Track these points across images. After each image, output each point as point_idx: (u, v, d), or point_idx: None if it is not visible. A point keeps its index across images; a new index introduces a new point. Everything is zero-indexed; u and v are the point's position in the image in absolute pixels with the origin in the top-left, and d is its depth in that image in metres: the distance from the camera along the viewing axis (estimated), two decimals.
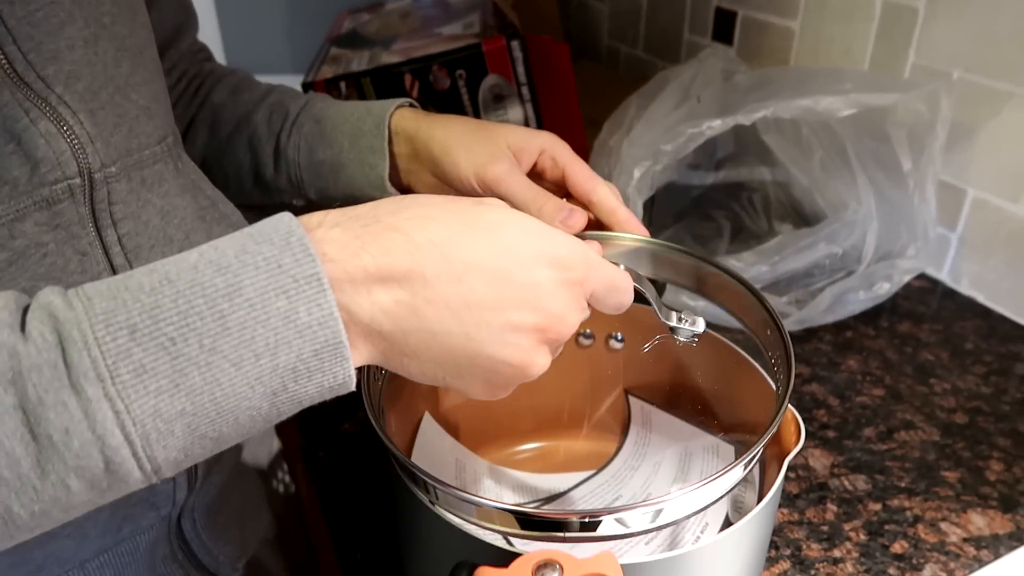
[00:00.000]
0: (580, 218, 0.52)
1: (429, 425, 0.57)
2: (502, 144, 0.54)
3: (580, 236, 0.54)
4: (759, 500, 0.53)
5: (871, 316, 0.79)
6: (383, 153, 0.58)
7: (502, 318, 0.34)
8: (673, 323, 0.47)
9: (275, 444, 0.67)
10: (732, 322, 0.52)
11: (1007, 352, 0.74)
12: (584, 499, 0.60)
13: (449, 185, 0.56)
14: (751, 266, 0.76)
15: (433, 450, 0.57)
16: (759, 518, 0.42)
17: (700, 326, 0.46)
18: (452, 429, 0.59)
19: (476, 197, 0.38)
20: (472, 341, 0.34)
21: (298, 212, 0.33)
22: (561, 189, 0.55)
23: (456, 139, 0.55)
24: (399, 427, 0.54)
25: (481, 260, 0.34)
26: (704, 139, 0.68)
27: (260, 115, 0.63)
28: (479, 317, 0.34)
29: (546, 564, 0.35)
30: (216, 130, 0.64)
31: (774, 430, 0.41)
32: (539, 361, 0.37)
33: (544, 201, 0.53)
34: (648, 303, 0.46)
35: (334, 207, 0.35)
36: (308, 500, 0.73)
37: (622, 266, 0.42)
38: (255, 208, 0.76)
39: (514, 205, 0.55)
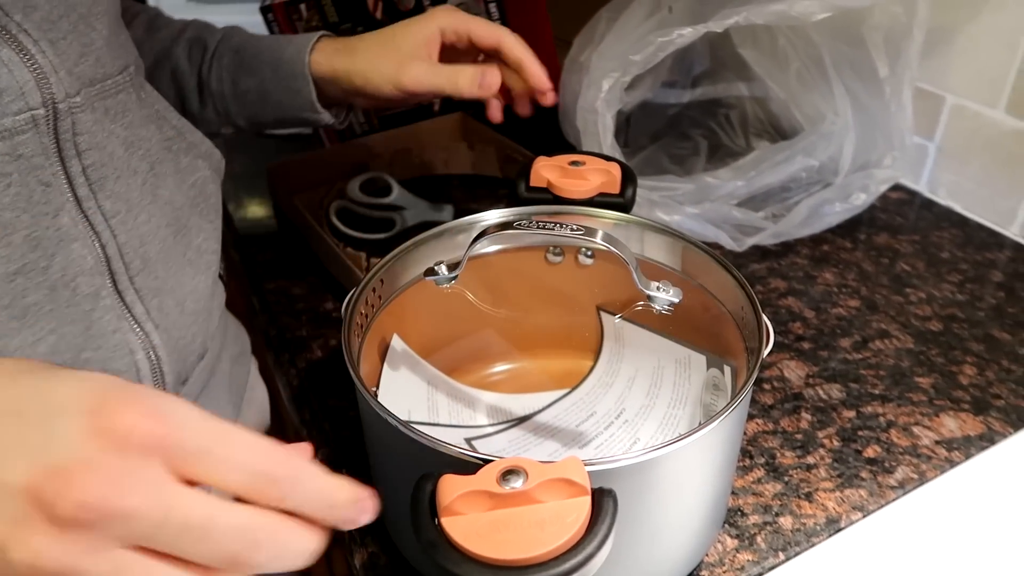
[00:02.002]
0: (494, 75, 0.57)
1: (399, 347, 0.56)
2: (405, 49, 0.58)
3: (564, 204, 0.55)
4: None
5: (848, 229, 0.78)
6: (306, 79, 0.60)
7: None
8: (651, 292, 0.47)
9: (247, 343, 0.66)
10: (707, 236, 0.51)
11: (983, 260, 0.74)
12: (557, 418, 0.60)
13: (380, 101, 0.61)
14: (727, 182, 0.74)
15: (403, 373, 0.56)
16: (728, 422, 0.41)
17: (677, 295, 0.47)
18: (423, 351, 0.58)
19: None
20: None
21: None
22: (476, 51, 0.60)
23: (367, 64, 0.58)
24: (368, 348, 0.53)
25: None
26: (675, 48, 0.66)
27: (179, 49, 0.63)
28: None
29: (511, 471, 0.34)
30: None
31: (746, 395, 0.40)
32: (25, 544, 0.25)
33: (457, 75, 0.57)
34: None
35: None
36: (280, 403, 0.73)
37: (599, 237, 0.42)
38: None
39: (438, 94, 0.60)
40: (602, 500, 0.33)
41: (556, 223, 0.45)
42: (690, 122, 0.92)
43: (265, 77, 0.61)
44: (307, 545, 0.28)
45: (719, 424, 0.40)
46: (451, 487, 0.33)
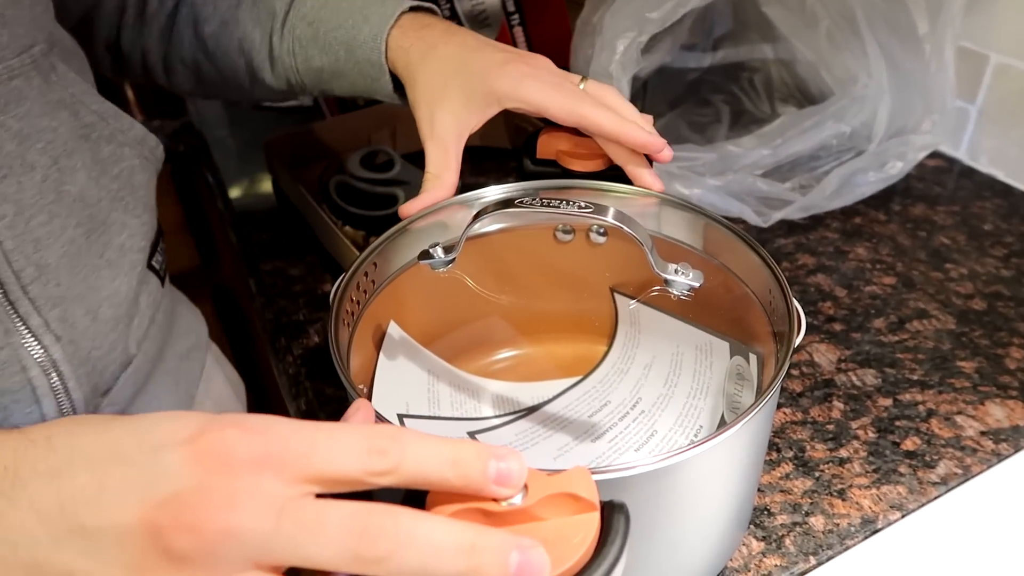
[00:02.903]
0: (411, 206, 0.51)
1: (396, 334, 0.52)
2: (477, 103, 0.52)
3: (575, 177, 0.49)
4: (756, 398, 0.48)
5: (882, 200, 0.73)
6: (381, 68, 0.54)
7: (97, 517, 0.25)
8: (669, 275, 0.42)
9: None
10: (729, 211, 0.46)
11: None
12: (568, 408, 0.56)
13: None
14: (751, 151, 0.69)
15: (401, 362, 0.52)
16: (758, 418, 0.37)
17: (697, 279, 0.42)
18: (422, 338, 0.54)
19: None
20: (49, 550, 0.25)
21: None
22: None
23: (415, 97, 0.53)
24: (361, 337, 0.49)
25: (91, 445, 0.26)
26: (694, 5, 0.60)
27: (244, 13, 0.58)
28: (72, 520, 0.25)
29: None
30: (199, 29, 0.59)
31: (774, 391, 0.36)
32: None
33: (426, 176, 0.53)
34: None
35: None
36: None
37: (610, 215, 0.37)
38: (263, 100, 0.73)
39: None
40: (612, 517, 0.29)
41: (562, 199, 0.40)
42: (711, 87, 0.86)
43: (339, 57, 0.55)
44: (422, 531, 0.25)
45: (748, 422, 0.35)
46: (441, 506, 0.29)
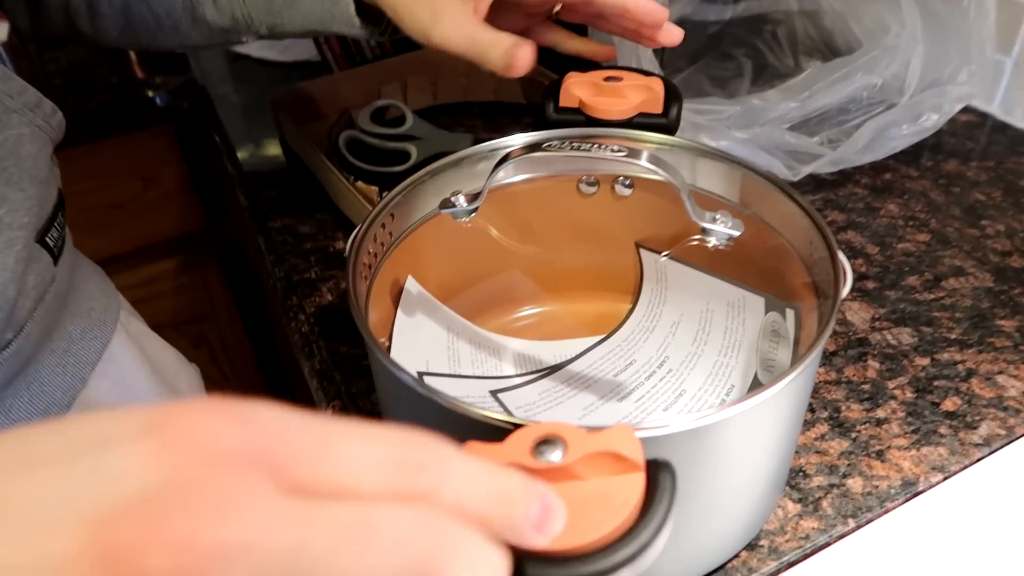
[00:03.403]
0: (526, 55, 0.46)
1: (414, 289, 0.50)
2: None
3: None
4: (794, 356, 0.46)
5: (912, 155, 0.70)
6: None
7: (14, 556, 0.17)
8: (707, 224, 0.40)
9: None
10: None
11: None
12: (592, 367, 0.54)
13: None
14: (778, 104, 0.66)
15: (419, 319, 0.50)
16: (803, 375, 0.35)
17: (737, 228, 0.40)
18: (441, 294, 0.52)
19: None
20: None
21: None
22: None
23: (401, 3, 0.48)
24: (378, 293, 0.47)
25: (30, 452, 0.18)
26: None
27: None
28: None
29: (547, 440, 0.28)
30: None
31: (821, 344, 0.33)
32: None
33: (489, 48, 0.46)
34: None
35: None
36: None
37: (645, 159, 0.35)
38: (198, 47, 0.67)
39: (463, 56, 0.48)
40: (658, 476, 0.27)
41: (594, 143, 0.38)
42: (733, 41, 0.83)
43: None
44: (492, 556, 0.20)
45: (794, 378, 0.33)
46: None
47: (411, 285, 0.50)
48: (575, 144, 0.38)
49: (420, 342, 0.50)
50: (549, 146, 0.38)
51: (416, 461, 0.20)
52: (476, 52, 0.47)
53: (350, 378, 0.52)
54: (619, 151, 0.37)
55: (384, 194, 0.62)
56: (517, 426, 0.29)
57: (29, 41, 0.95)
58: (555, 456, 0.27)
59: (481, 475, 0.21)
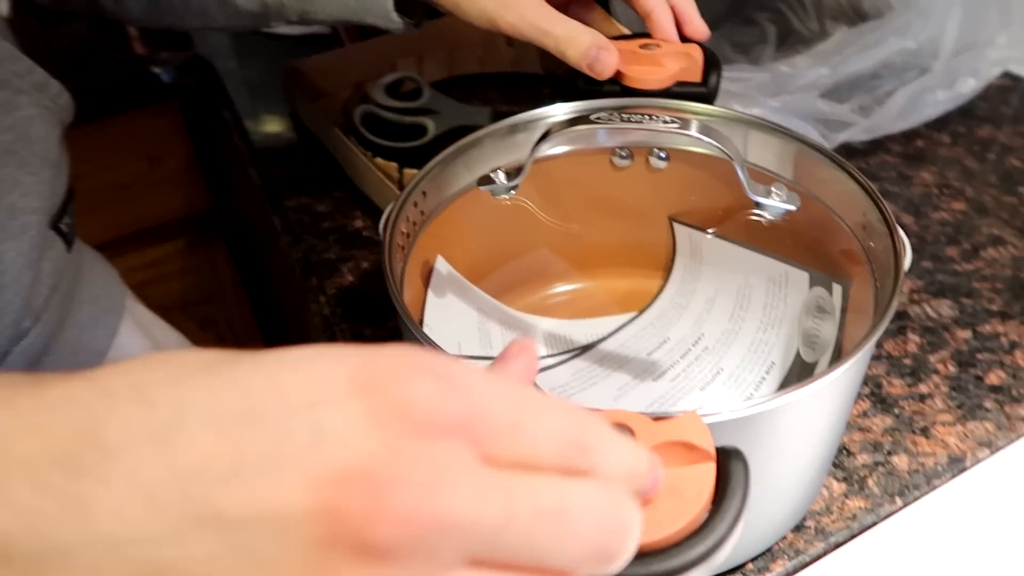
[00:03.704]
0: (609, 59, 0.43)
1: (444, 270, 0.48)
2: None
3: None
4: (840, 331, 0.45)
5: (943, 122, 0.68)
6: None
7: (241, 501, 0.17)
8: (761, 198, 0.38)
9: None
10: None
11: None
12: (625, 346, 0.53)
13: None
14: (807, 71, 0.64)
15: (449, 299, 0.49)
16: (861, 359, 0.34)
17: (793, 202, 0.38)
18: (470, 274, 0.50)
19: None
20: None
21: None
22: None
23: None
24: (410, 273, 0.45)
25: (207, 398, 0.18)
26: None
27: None
28: (200, 504, 0.17)
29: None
30: None
31: (852, 361, 0.32)
32: None
33: (569, 42, 0.43)
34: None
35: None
36: None
37: (698, 130, 0.34)
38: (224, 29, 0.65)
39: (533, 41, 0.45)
40: (729, 466, 0.26)
41: (644, 114, 0.36)
42: (755, 5, 0.81)
43: None
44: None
45: (860, 358, 0.32)
46: None
47: (441, 265, 0.48)
48: (625, 115, 0.36)
49: (451, 323, 0.48)
50: (598, 118, 0.36)
51: (585, 442, 0.20)
52: (552, 46, 0.44)
53: None
54: (672, 122, 0.35)
55: (404, 170, 0.60)
56: None
57: (30, 16, 0.93)
58: None
59: (635, 452, 0.21)
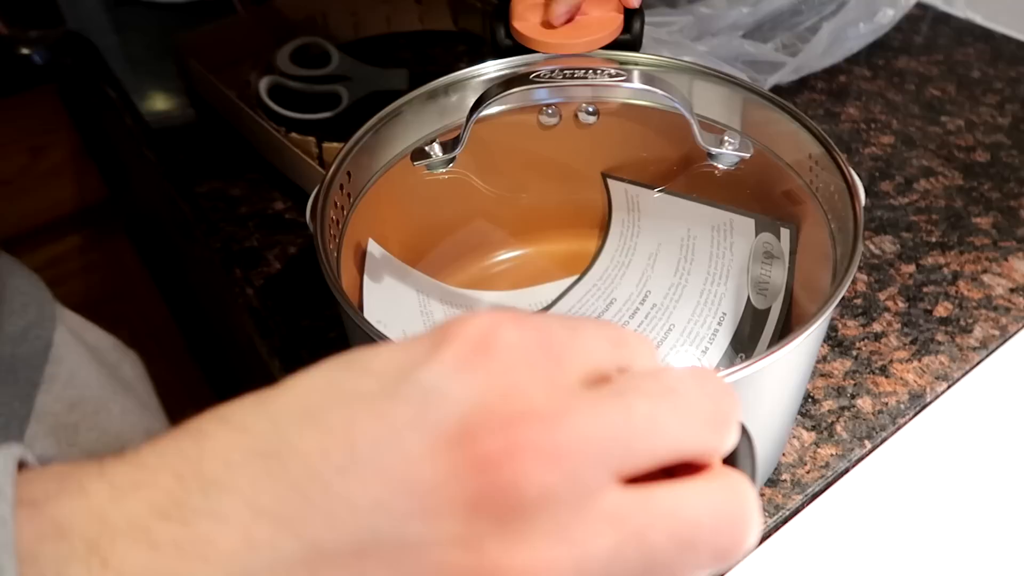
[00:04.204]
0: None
1: (377, 252, 0.45)
2: None
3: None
4: (789, 275, 0.44)
5: (863, 55, 0.68)
6: None
7: (374, 482, 0.16)
8: (716, 148, 0.36)
9: None
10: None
11: (1018, 75, 0.65)
12: (573, 311, 0.51)
13: None
14: (728, 11, 0.63)
15: (387, 283, 0.46)
16: (836, 304, 0.32)
17: (746, 149, 0.36)
18: (405, 252, 0.47)
19: None
20: None
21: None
22: None
23: None
24: (343, 260, 0.42)
25: (290, 405, 0.17)
26: None
27: None
28: (333, 502, 0.16)
29: None
30: None
31: (833, 304, 0.31)
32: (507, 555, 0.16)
33: None
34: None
35: None
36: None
37: (646, 82, 0.32)
38: None
39: None
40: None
41: (587, 68, 0.33)
42: None
43: None
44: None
45: (834, 304, 0.31)
46: None
47: (373, 248, 0.45)
48: (567, 72, 0.33)
49: (392, 309, 0.45)
50: (538, 76, 0.33)
51: (631, 345, 0.19)
52: None
53: (320, 353, 0.47)
54: (618, 75, 0.32)
55: (324, 144, 0.56)
56: None
57: None
58: None
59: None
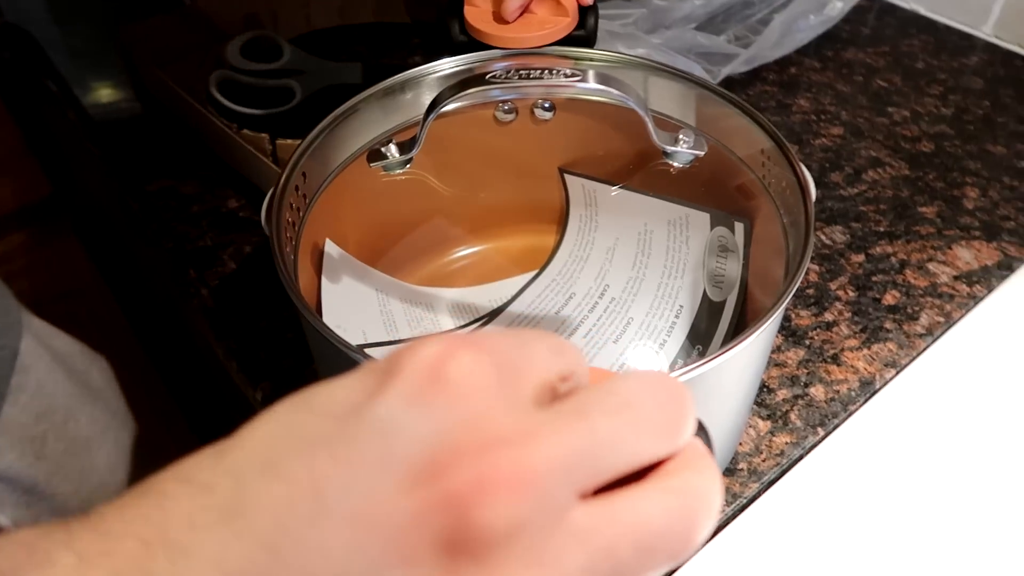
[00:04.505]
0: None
1: (334, 253, 0.45)
2: None
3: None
4: (744, 268, 0.45)
5: (812, 47, 0.69)
6: None
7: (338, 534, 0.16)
8: (671, 147, 0.37)
9: None
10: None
11: (960, 66, 0.67)
12: (532, 307, 0.51)
13: None
14: (680, 4, 0.63)
15: (345, 283, 0.45)
16: (790, 296, 0.33)
17: (701, 147, 0.37)
18: (362, 251, 0.47)
19: None
20: None
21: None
22: None
23: None
24: (300, 261, 0.41)
25: (251, 457, 0.17)
26: None
27: None
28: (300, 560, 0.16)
29: None
30: None
31: (786, 300, 0.31)
32: None
33: None
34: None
35: None
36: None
37: (602, 82, 0.31)
38: None
39: None
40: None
41: (544, 68, 0.33)
42: None
43: None
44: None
45: (789, 296, 0.31)
46: None
47: (331, 248, 0.44)
48: (523, 72, 0.33)
49: (351, 310, 0.45)
50: (494, 77, 0.33)
51: (568, 352, 0.19)
52: None
53: (278, 355, 0.47)
54: (573, 75, 0.33)
55: (277, 140, 0.55)
56: None
57: None
58: None
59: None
